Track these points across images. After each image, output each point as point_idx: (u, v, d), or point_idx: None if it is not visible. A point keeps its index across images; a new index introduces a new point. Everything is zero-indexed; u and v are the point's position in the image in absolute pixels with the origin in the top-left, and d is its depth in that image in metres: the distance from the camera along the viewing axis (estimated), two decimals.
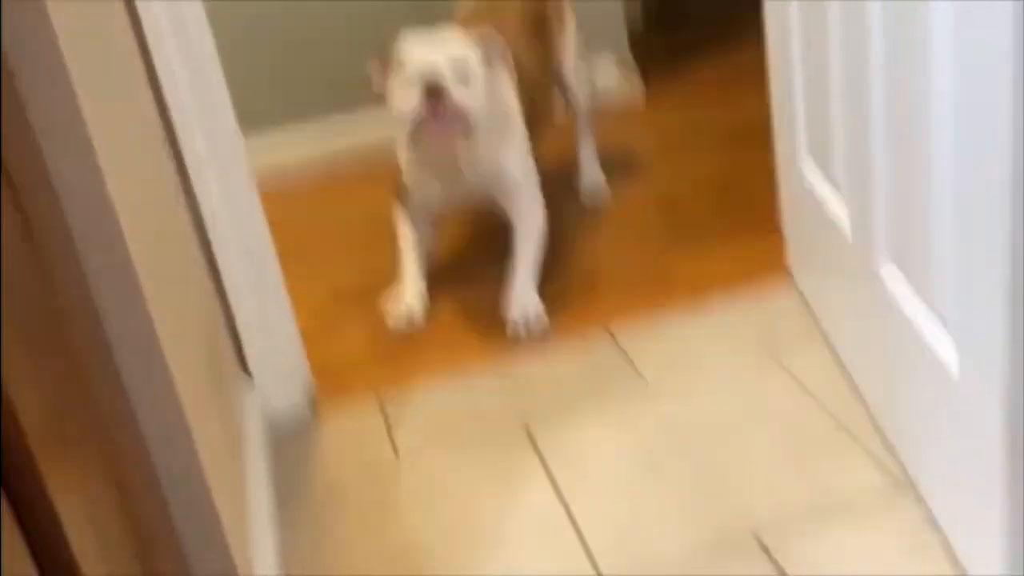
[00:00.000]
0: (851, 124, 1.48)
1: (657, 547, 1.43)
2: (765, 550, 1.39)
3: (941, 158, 1.19)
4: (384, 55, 1.97)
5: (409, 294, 2.11)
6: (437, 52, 1.91)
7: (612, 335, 1.94)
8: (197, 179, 1.69)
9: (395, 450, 1.73)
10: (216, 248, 1.73)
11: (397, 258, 2.19)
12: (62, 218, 0.97)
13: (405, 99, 1.90)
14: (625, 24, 3.08)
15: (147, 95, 1.58)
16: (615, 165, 2.63)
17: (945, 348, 1.26)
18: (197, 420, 1.20)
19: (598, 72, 3.02)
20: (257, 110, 2.72)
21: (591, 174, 2.52)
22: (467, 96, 1.90)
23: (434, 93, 1.86)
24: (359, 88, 2.09)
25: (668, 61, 3.33)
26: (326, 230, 2.55)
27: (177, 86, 1.63)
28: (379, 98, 2.00)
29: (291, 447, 1.78)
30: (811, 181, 1.73)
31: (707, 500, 1.50)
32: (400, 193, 2.19)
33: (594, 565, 1.43)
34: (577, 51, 2.44)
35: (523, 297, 2.03)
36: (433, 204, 2.17)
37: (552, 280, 2.14)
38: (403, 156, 2.13)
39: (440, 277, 2.23)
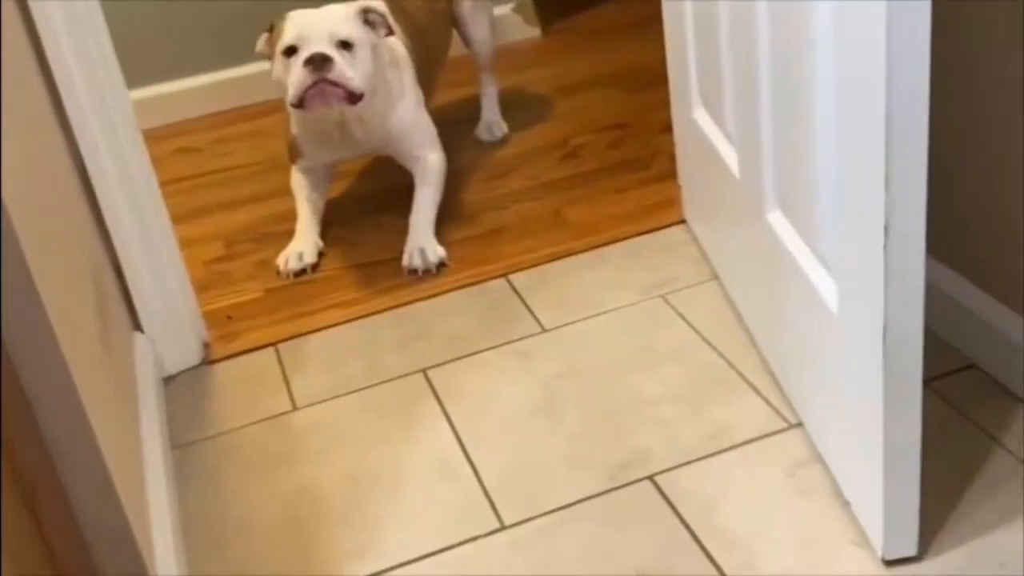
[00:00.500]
0: (740, 76, 1.51)
1: (555, 489, 1.46)
2: (658, 489, 1.43)
3: (823, 111, 1.22)
4: (272, 30, 1.96)
5: (303, 244, 2.09)
6: (320, 24, 1.90)
7: (509, 280, 1.96)
8: (81, 133, 1.64)
9: (292, 399, 1.72)
10: (103, 202, 1.69)
11: (292, 210, 2.17)
12: None
13: (290, 72, 1.89)
14: None
15: (27, 46, 1.53)
16: (513, 110, 2.64)
17: (827, 288, 1.30)
18: (84, 376, 1.17)
19: (497, 17, 3.01)
20: (147, 63, 2.66)
21: (491, 116, 2.55)
22: (351, 65, 1.89)
23: (318, 65, 1.86)
24: (250, 41, 2.05)
25: (567, 2, 3.33)
26: (219, 182, 2.50)
27: (58, 37, 1.58)
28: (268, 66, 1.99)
29: (186, 400, 1.76)
30: (704, 130, 1.75)
31: (602, 441, 1.53)
32: (291, 151, 2.18)
33: (493, 508, 1.44)
34: None
35: (420, 238, 2.03)
36: (326, 161, 2.18)
37: (450, 225, 2.14)
38: (292, 119, 2.12)
39: (339, 223, 2.21)
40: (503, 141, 2.50)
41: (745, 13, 1.41)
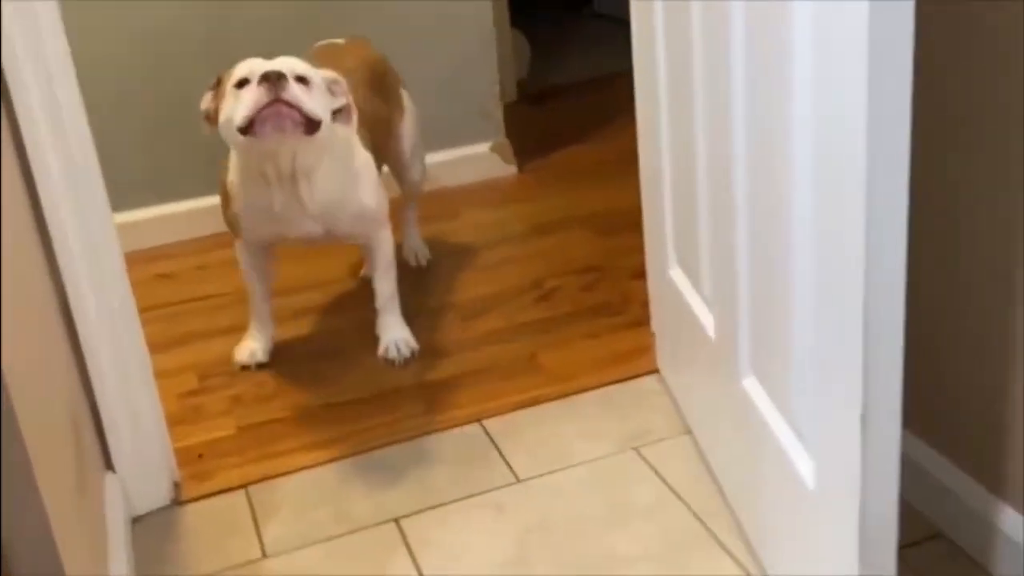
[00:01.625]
0: (717, 239, 1.55)
1: None
2: None
3: (802, 281, 1.25)
4: (218, 84, 1.90)
5: (257, 340, 2.22)
6: (276, 62, 1.84)
7: (483, 427, 1.96)
8: (66, 265, 1.65)
9: (262, 546, 1.70)
10: (83, 337, 1.68)
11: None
12: None
13: (240, 101, 1.80)
14: (501, 105, 3.15)
15: (14, 170, 1.54)
16: (489, 247, 2.69)
17: (802, 460, 1.32)
18: (59, 520, 1.16)
19: (475, 155, 3.09)
20: (128, 190, 2.69)
21: (414, 242, 2.65)
22: (306, 95, 1.81)
23: (273, 83, 1.76)
24: None
25: (542, 136, 3.43)
26: (196, 310, 2.51)
27: (48, 164, 1.59)
28: (210, 127, 1.91)
29: (154, 542, 1.73)
30: (680, 288, 1.79)
31: None
32: (231, 225, 2.10)
33: None
34: (414, 136, 2.46)
35: (394, 331, 2.21)
36: (266, 238, 2.09)
37: (423, 365, 2.16)
38: (234, 184, 2.02)
39: (313, 359, 2.22)
40: (474, 280, 2.54)
41: (724, 181, 1.46)
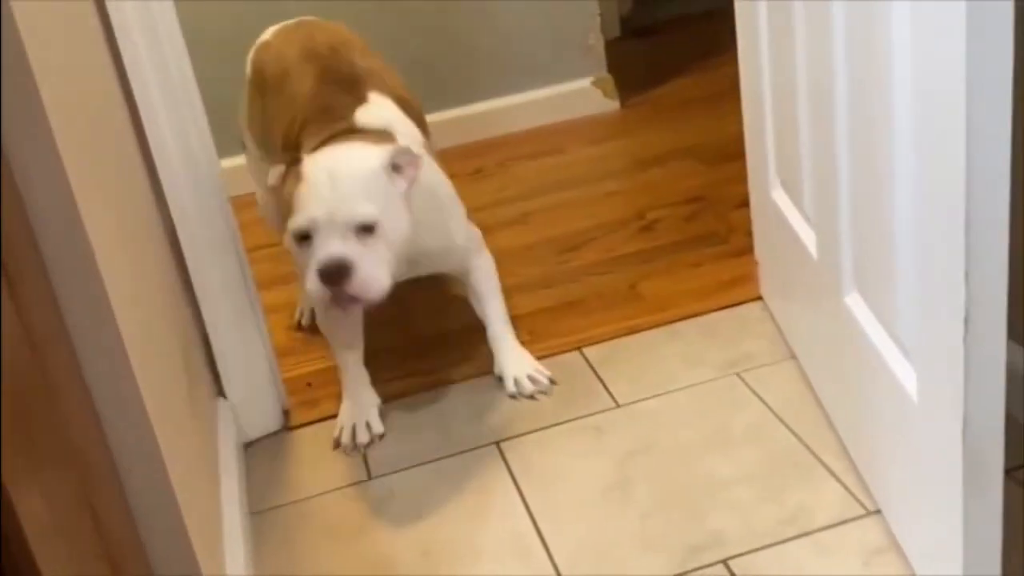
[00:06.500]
0: (819, 159, 1.52)
1: (626, 570, 1.45)
2: (732, 574, 1.41)
3: (903, 192, 1.22)
4: (290, 165, 1.62)
5: (364, 409, 1.85)
6: (337, 202, 1.53)
7: (583, 353, 1.96)
8: (174, 202, 1.70)
9: (368, 469, 1.75)
10: (193, 271, 1.75)
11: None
12: (32, 241, 0.98)
13: (307, 268, 1.56)
14: (602, 39, 3.11)
15: (123, 115, 1.60)
16: (591, 182, 2.67)
17: (906, 374, 1.29)
18: (168, 441, 1.21)
19: (577, 90, 3.06)
20: (235, 135, 2.75)
21: None
22: (373, 256, 1.54)
23: (334, 278, 1.53)
24: None
25: (645, 71, 3.38)
26: None
27: (155, 109, 1.65)
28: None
29: (265, 465, 1.80)
30: (782, 209, 1.76)
31: (675, 522, 1.52)
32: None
33: None
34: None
35: (515, 366, 1.90)
36: None
37: (523, 296, 2.17)
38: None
39: (420, 289, 2.25)
40: (575, 214, 2.50)
41: (825, 98, 1.43)
